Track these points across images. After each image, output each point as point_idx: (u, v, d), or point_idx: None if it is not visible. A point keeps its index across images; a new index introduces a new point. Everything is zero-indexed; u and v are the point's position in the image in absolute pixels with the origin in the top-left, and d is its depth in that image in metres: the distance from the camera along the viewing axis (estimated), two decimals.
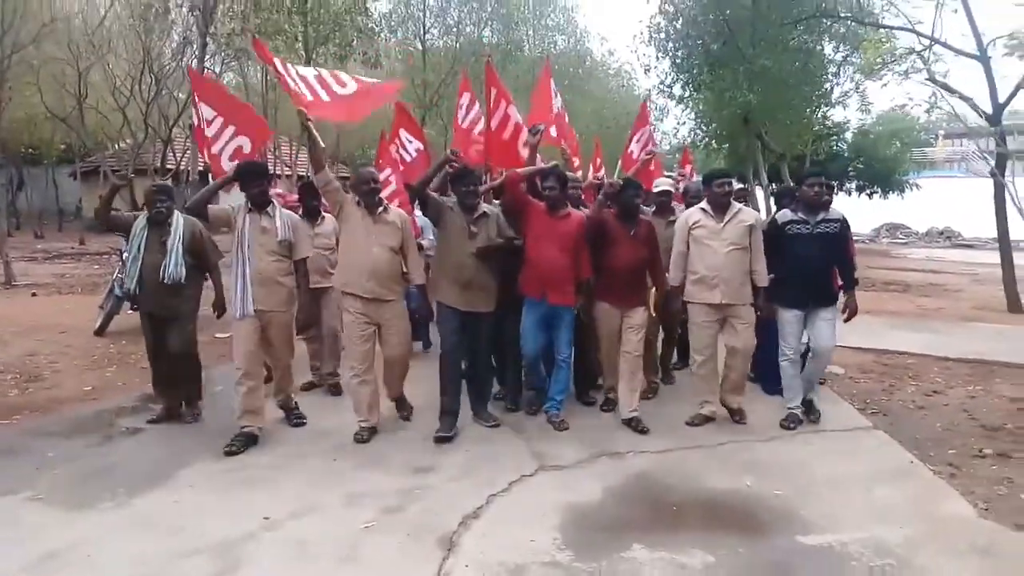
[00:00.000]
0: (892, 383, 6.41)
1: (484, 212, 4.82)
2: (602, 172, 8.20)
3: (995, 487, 4.15)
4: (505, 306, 4.98)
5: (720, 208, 4.95)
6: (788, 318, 5.04)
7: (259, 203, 4.68)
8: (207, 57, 10.05)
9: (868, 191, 27.12)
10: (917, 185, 26.97)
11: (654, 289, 5.23)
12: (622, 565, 3.18)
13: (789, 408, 5.14)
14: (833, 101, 14.86)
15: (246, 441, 4.59)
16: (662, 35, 11.97)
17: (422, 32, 16.69)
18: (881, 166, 21.88)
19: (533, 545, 3.33)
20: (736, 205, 5.03)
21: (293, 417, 5.10)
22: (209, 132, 5.72)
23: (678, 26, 11.80)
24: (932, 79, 10.29)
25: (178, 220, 4.92)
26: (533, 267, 4.84)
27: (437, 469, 4.28)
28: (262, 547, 3.32)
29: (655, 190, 5.87)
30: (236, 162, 5.63)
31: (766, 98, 10.55)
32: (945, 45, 9.79)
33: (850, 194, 27.02)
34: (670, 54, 12.27)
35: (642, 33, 12.09)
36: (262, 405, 4.76)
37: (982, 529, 3.64)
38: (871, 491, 4.02)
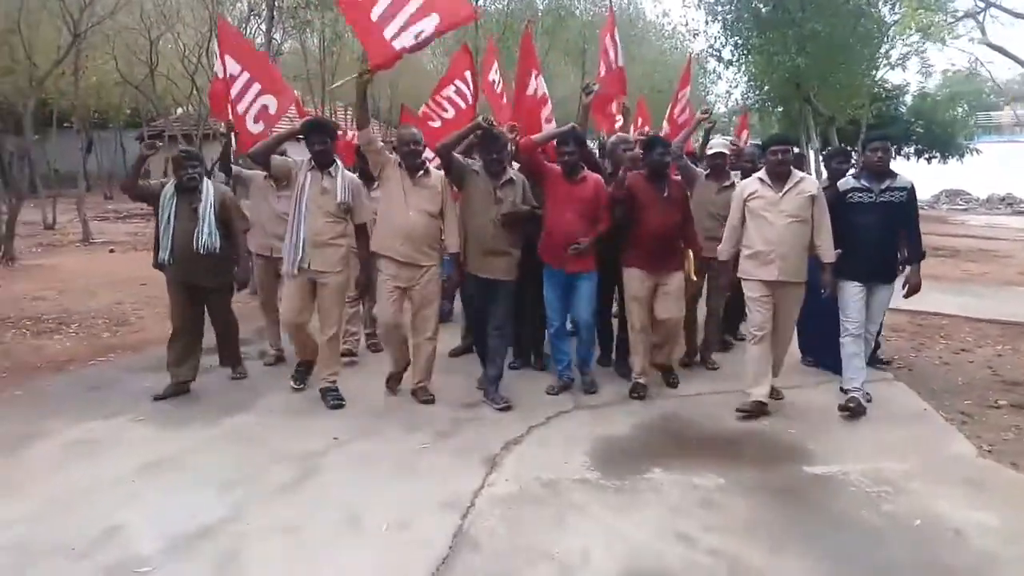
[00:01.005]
0: (922, 342, 6.63)
1: (511, 178, 4.69)
2: (646, 129, 8.13)
3: (1002, 433, 4.44)
4: (523, 273, 4.84)
5: (779, 177, 4.54)
6: (850, 291, 4.69)
7: (322, 162, 4.55)
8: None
9: (927, 156, 26.44)
10: (977, 150, 26.14)
11: (691, 253, 4.96)
12: (641, 483, 3.64)
13: (849, 391, 4.68)
14: (891, 63, 14.64)
15: (329, 391, 4.72)
16: None
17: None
18: (940, 130, 21.33)
19: (565, 466, 3.82)
20: (797, 174, 4.61)
21: (333, 398, 4.74)
22: (233, 90, 5.61)
23: None
24: (988, 43, 10.20)
25: (208, 187, 4.80)
26: (551, 234, 4.71)
27: (483, 404, 4.77)
28: (334, 459, 3.89)
29: (709, 152, 5.56)
30: (261, 123, 5.73)
31: (815, 62, 10.58)
32: (1001, 8, 9.65)
33: (908, 159, 26.40)
34: (719, 17, 12.30)
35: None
36: (314, 345, 4.87)
37: (979, 466, 3.96)
38: (880, 432, 4.36)
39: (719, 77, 18.58)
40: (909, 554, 3.04)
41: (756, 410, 4.57)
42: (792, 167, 4.64)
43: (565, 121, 5.34)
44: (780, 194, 4.51)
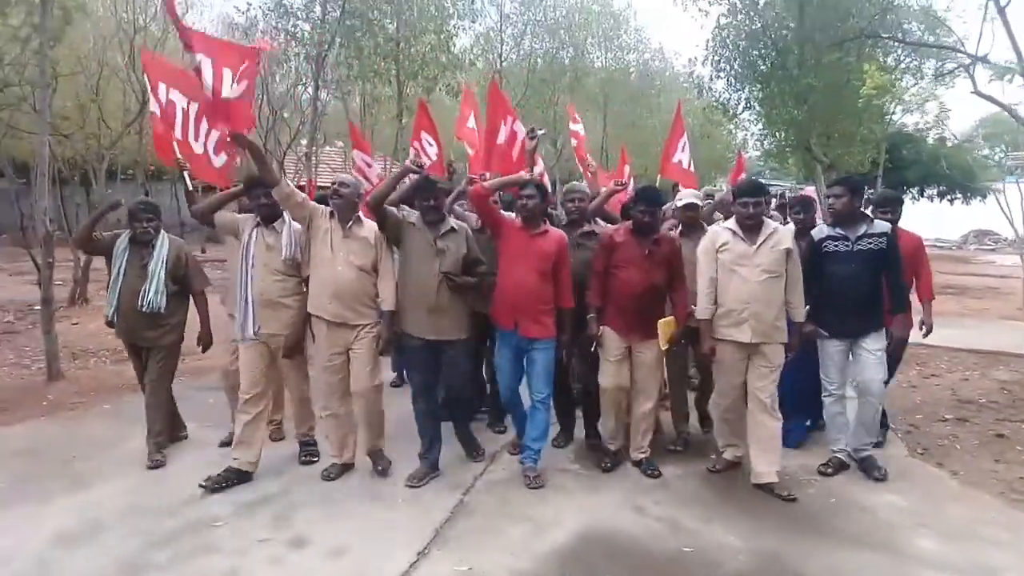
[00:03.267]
0: (899, 370, 7.27)
1: (452, 227, 4.28)
2: (626, 178, 7.66)
3: (938, 440, 5.13)
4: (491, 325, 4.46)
5: (751, 229, 4.18)
6: (830, 349, 4.41)
7: (266, 216, 4.30)
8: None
9: (950, 197, 26.86)
10: (998, 190, 26.38)
11: (671, 318, 4.38)
12: None
13: (832, 451, 4.51)
14: (908, 109, 15.36)
15: (229, 477, 4.17)
16: (716, 57, 13.02)
17: (499, 63, 18.35)
18: (957, 172, 21.81)
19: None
20: (770, 224, 4.24)
21: (304, 454, 4.60)
22: (177, 124, 4.90)
23: (730, 48, 12.82)
24: (978, 92, 10.93)
25: (163, 241, 4.51)
26: (504, 292, 4.22)
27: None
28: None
29: (679, 203, 4.90)
30: (223, 154, 5.10)
31: (811, 115, 11.47)
32: (987, 63, 10.37)
33: (932, 200, 26.87)
34: (723, 74, 13.30)
35: (694, 59, 13.24)
36: (260, 440, 4.32)
37: (906, 463, 4.67)
38: (824, 440, 4.81)
39: (732, 129, 19.54)
40: (815, 519, 3.81)
41: (726, 467, 4.48)
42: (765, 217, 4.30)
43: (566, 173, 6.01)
44: (754, 247, 4.14)
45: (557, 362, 4.35)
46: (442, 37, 12.55)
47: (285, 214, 4.32)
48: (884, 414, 4.78)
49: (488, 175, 5.86)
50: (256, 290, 4.25)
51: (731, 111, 13.95)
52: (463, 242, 4.29)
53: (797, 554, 3.46)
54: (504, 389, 4.43)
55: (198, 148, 5.01)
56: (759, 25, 12.03)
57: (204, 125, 5.01)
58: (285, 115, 15.11)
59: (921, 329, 4.95)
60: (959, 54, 9.16)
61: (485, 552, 3.46)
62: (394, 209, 4.30)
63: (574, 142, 7.82)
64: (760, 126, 15.11)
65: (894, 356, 4.61)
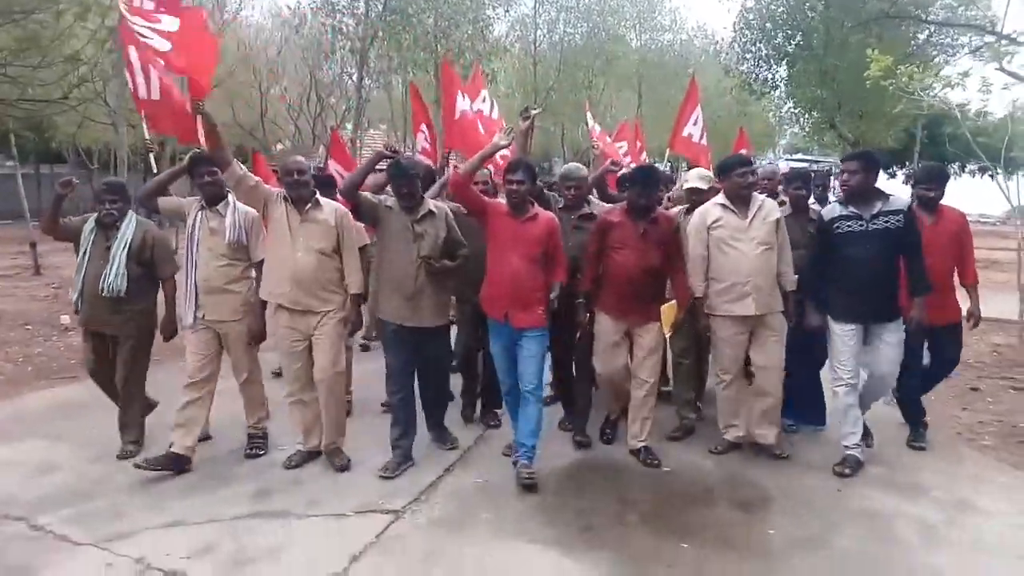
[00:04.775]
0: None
1: (429, 210, 4.13)
2: (630, 159, 7.90)
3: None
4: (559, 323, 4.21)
5: (743, 201, 4.21)
6: (841, 334, 4.15)
7: (210, 197, 4.17)
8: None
9: (990, 173, 26.48)
10: None
11: (674, 302, 4.38)
12: None
13: (845, 447, 4.23)
14: (950, 84, 15.41)
15: (165, 462, 4.02)
16: (742, 39, 13.40)
17: (533, 49, 18.95)
18: (998, 145, 21.56)
19: None
20: (757, 197, 4.28)
21: (251, 446, 4.38)
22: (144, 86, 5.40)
23: (755, 31, 13.19)
24: (1003, 69, 11.15)
25: (129, 223, 4.27)
26: (493, 281, 4.04)
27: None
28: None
29: (685, 186, 4.81)
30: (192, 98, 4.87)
31: (834, 94, 11.85)
32: (1013, 41, 10.63)
33: (973, 175, 26.61)
34: (750, 56, 13.65)
35: (721, 40, 13.64)
36: (198, 424, 4.19)
37: (876, 410, 5.19)
38: None
39: (770, 107, 19.78)
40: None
41: (727, 449, 4.45)
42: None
43: (576, 151, 6.14)
44: (747, 220, 4.18)
45: (558, 344, 4.36)
46: (478, 26, 13.27)
47: (230, 196, 4.22)
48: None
49: (455, 154, 6.06)
50: (200, 275, 4.13)
51: (757, 91, 14.32)
52: (443, 225, 4.16)
53: (759, 474, 4.13)
54: (502, 383, 4.23)
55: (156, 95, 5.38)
56: (784, 8, 12.38)
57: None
58: (332, 101, 16.04)
59: (969, 320, 4.50)
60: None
61: (499, 469, 4.16)
62: (368, 194, 4.19)
63: (598, 144, 7.55)
64: (790, 105, 15.44)
65: (913, 344, 4.26)
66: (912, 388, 4.57)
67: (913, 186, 4.77)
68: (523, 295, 3.95)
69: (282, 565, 3.17)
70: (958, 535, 3.48)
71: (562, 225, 4.19)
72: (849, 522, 3.60)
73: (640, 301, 4.18)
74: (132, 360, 4.35)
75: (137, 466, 3.96)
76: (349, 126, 15.30)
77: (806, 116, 15.10)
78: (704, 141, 7.24)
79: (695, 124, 7.36)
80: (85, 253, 4.23)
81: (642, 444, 4.32)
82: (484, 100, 6.75)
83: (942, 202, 4.50)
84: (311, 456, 4.27)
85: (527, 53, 18.68)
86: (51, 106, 9.52)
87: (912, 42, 13.10)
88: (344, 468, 4.16)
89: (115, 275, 4.14)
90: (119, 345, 4.34)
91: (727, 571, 3.16)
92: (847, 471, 4.13)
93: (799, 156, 29.19)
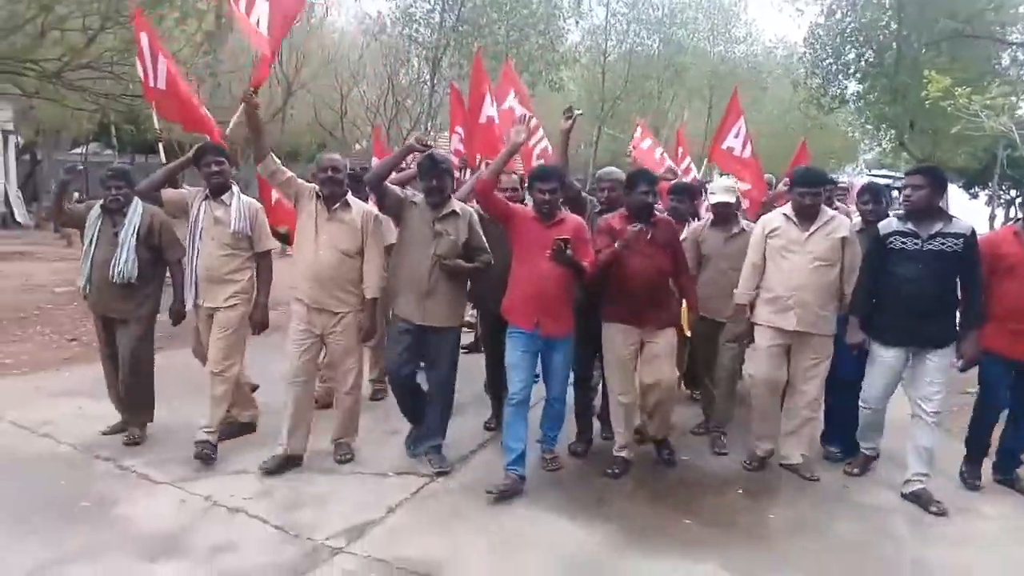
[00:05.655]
0: None
1: (453, 210, 4.07)
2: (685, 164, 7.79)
3: None
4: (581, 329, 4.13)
5: (807, 216, 4.09)
6: (881, 359, 4.00)
7: (215, 187, 4.20)
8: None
9: None
10: None
11: (684, 305, 4.31)
12: None
13: (863, 446, 4.29)
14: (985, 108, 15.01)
15: (234, 431, 4.35)
16: (811, 54, 13.37)
17: (603, 60, 19.29)
18: None
19: None
20: (827, 212, 4.13)
21: (206, 445, 4.13)
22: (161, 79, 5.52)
23: (824, 47, 13.16)
24: None
25: (136, 209, 4.26)
26: (519, 289, 3.92)
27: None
28: None
29: (712, 200, 4.74)
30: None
31: (905, 111, 11.74)
32: None
33: None
34: (819, 72, 13.59)
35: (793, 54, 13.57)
36: (244, 393, 4.50)
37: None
38: None
39: (849, 120, 19.50)
40: None
41: (759, 466, 4.35)
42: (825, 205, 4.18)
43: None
44: (807, 233, 4.06)
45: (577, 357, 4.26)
46: (548, 37, 13.72)
47: (234, 186, 4.27)
48: None
49: (480, 161, 5.93)
50: (202, 264, 4.19)
51: (825, 106, 14.25)
52: (465, 227, 4.09)
53: (771, 467, 4.37)
54: (518, 392, 3.98)
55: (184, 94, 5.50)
56: (854, 25, 12.36)
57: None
58: (408, 104, 16.82)
59: (957, 360, 4.02)
60: None
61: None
62: (394, 187, 4.17)
63: (632, 150, 7.39)
64: (861, 120, 15.32)
65: (990, 379, 4.05)
66: (985, 426, 4.17)
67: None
68: (552, 303, 3.88)
69: (328, 510, 3.64)
70: (951, 531, 3.66)
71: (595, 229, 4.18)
72: (847, 513, 3.83)
73: (653, 305, 4.06)
74: (140, 339, 4.34)
75: (196, 455, 4.05)
76: (423, 128, 15.99)
77: (879, 133, 14.92)
78: (748, 154, 6.95)
79: (736, 137, 7.05)
80: (92, 239, 4.25)
81: (662, 437, 4.34)
82: (513, 97, 6.68)
83: None
84: (289, 463, 4.09)
85: (596, 63, 19.05)
86: None
87: (993, 61, 12.86)
88: (344, 461, 4.19)
89: (125, 261, 4.17)
90: (123, 328, 4.33)
91: (722, 544, 3.46)
92: (855, 470, 4.24)
93: (883, 172, 28.44)
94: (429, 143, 4.23)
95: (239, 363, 4.36)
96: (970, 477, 4.18)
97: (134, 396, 4.41)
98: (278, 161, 4.08)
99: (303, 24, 14.83)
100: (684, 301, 4.35)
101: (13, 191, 20.05)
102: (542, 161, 5.64)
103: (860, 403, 4.16)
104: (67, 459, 4.16)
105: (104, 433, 4.45)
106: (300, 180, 4.12)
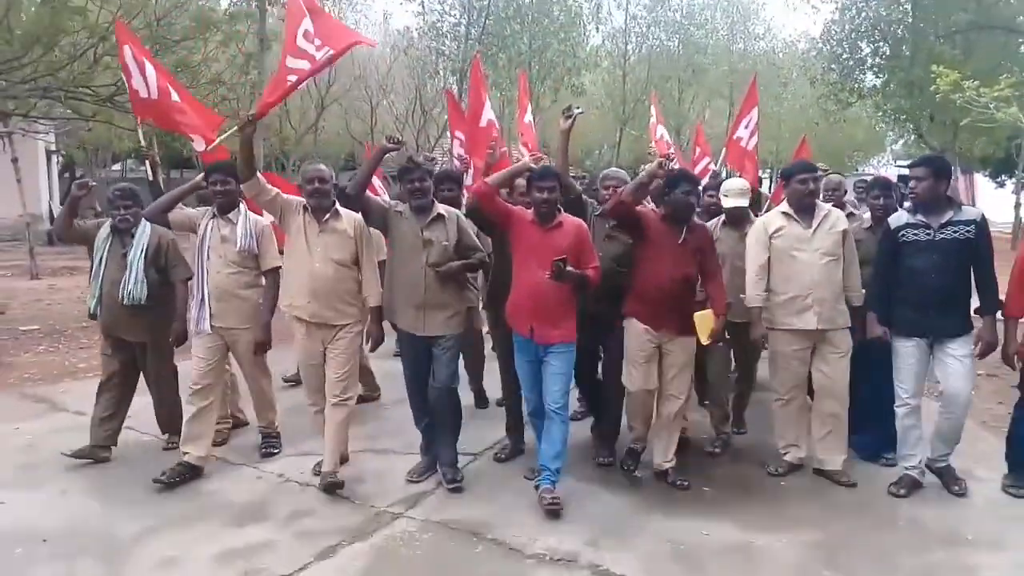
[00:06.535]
0: None
1: (439, 214, 3.99)
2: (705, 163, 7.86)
3: None
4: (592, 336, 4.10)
5: (806, 210, 4.07)
6: (904, 350, 3.94)
7: (222, 205, 4.24)
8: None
9: None
10: None
11: (710, 312, 4.00)
12: None
13: (905, 468, 4.05)
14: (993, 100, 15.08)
15: (182, 473, 4.05)
16: (827, 50, 13.63)
17: (623, 62, 19.73)
18: None
19: None
20: (823, 206, 4.15)
21: (266, 445, 4.52)
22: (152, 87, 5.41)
23: (839, 43, 13.42)
24: None
25: (144, 229, 4.26)
26: (517, 294, 3.85)
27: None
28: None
29: (726, 204, 4.63)
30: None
31: (919, 103, 11.97)
32: None
33: None
34: (835, 68, 13.84)
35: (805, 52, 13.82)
36: (209, 433, 4.23)
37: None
38: None
39: (871, 114, 19.62)
40: None
41: (788, 471, 4.26)
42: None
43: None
44: (811, 230, 4.04)
45: (587, 354, 4.22)
46: (569, 44, 14.24)
47: (241, 204, 4.29)
48: None
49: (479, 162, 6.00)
50: (211, 283, 4.18)
51: (843, 100, 14.51)
52: (454, 229, 4.02)
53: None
54: (527, 400, 4.04)
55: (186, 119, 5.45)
56: (869, 20, 12.63)
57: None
58: (436, 112, 17.48)
59: (976, 347, 3.94)
60: None
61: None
62: (375, 197, 4.15)
63: (652, 146, 7.52)
64: (880, 114, 15.54)
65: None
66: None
67: None
68: (549, 309, 3.75)
69: (384, 483, 4.16)
70: (948, 495, 3.99)
71: (595, 232, 4.16)
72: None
73: (675, 311, 3.93)
74: (159, 360, 4.47)
75: (156, 481, 3.95)
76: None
77: (898, 126, 15.13)
78: (751, 147, 7.01)
79: (746, 127, 7.14)
80: (102, 260, 4.26)
81: (670, 465, 4.12)
82: (531, 112, 6.82)
83: None
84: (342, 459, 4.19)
85: (617, 65, 19.52)
86: None
87: (1011, 51, 13.00)
88: (329, 489, 3.93)
89: (135, 283, 4.16)
90: (142, 349, 4.42)
91: (732, 503, 3.93)
92: (902, 491, 3.95)
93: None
94: (400, 139, 4.11)
95: (268, 373, 4.70)
96: (1012, 486, 4.03)
97: (164, 412, 4.64)
98: (263, 180, 4.04)
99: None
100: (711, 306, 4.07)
101: (57, 209, 21.01)
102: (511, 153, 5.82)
103: (896, 404, 4.01)
104: (152, 447, 4.72)
105: (65, 455, 4.32)
106: (285, 196, 4.06)
